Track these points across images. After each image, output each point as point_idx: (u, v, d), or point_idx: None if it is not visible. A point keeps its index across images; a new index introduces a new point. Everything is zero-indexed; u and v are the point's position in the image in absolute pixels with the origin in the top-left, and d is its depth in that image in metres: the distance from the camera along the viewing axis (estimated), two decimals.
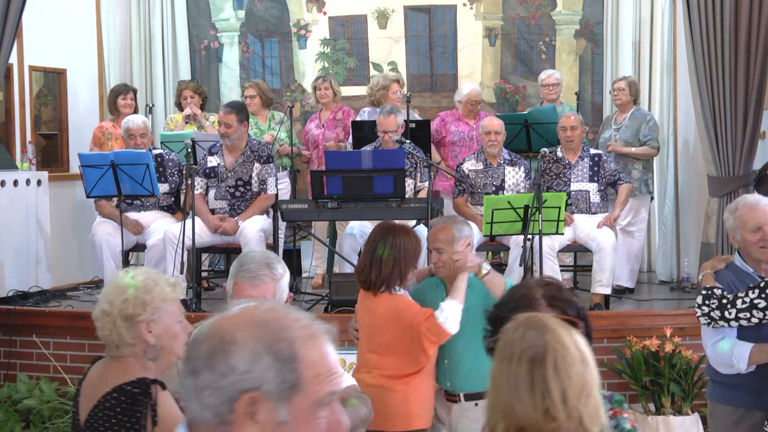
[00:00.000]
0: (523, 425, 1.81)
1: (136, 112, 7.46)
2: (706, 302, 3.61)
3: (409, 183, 6.43)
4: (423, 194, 6.50)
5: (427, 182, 6.49)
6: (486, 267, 4.00)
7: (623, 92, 7.12)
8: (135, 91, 7.70)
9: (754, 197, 3.89)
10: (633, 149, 7.01)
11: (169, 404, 2.52)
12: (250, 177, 6.37)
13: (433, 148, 7.40)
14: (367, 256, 3.96)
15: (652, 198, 7.41)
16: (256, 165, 6.37)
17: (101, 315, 2.63)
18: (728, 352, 3.62)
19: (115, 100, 7.46)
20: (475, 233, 6.22)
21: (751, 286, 3.55)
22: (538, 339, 1.85)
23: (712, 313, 3.60)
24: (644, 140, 7.02)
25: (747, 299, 3.52)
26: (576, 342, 1.87)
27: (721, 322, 3.59)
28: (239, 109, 6.39)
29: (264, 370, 1.41)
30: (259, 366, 1.41)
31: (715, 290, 3.62)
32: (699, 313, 3.64)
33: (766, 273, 3.70)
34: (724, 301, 3.57)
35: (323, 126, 7.51)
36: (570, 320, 2.01)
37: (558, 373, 1.81)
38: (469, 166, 6.67)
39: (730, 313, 3.55)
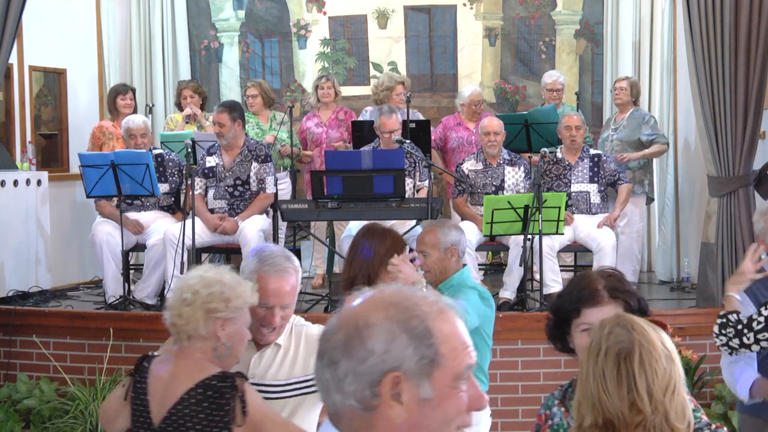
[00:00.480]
0: (610, 418, 1.87)
1: (135, 111, 7.46)
2: (723, 331, 3.44)
3: (408, 182, 6.43)
4: (422, 193, 6.50)
5: (426, 181, 6.50)
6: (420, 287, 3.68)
7: (624, 92, 7.11)
8: (134, 91, 7.70)
9: None
10: (646, 151, 6.99)
11: (256, 395, 2.62)
12: (249, 176, 6.37)
13: (435, 153, 7.42)
14: (347, 259, 3.88)
15: (652, 200, 7.43)
16: (254, 164, 6.37)
17: (180, 303, 2.64)
18: (734, 380, 3.54)
19: (115, 99, 7.45)
20: (474, 234, 6.28)
21: (763, 302, 3.42)
22: (626, 336, 1.93)
23: (731, 342, 3.43)
24: (650, 139, 7.01)
25: (762, 318, 3.37)
26: (662, 340, 1.94)
27: (743, 350, 3.43)
28: (232, 108, 6.39)
29: (402, 348, 1.41)
30: (396, 345, 1.41)
31: (730, 316, 3.43)
32: (719, 342, 3.47)
33: None
34: (740, 327, 3.40)
35: (325, 125, 7.51)
36: (658, 322, 2.04)
37: (644, 368, 1.88)
38: (469, 166, 6.67)
39: (748, 338, 3.39)
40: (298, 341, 2.95)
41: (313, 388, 2.78)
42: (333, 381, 1.44)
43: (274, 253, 2.92)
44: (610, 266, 6.04)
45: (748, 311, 3.61)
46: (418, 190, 6.55)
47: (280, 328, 2.89)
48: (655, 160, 7.44)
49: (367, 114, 7.48)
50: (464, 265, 4.07)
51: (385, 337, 1.41)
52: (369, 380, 1.40)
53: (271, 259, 2.87)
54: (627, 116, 7.12)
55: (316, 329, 2.95)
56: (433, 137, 7.37)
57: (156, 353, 2.77)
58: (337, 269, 7.15)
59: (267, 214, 6.50)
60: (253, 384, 2.83)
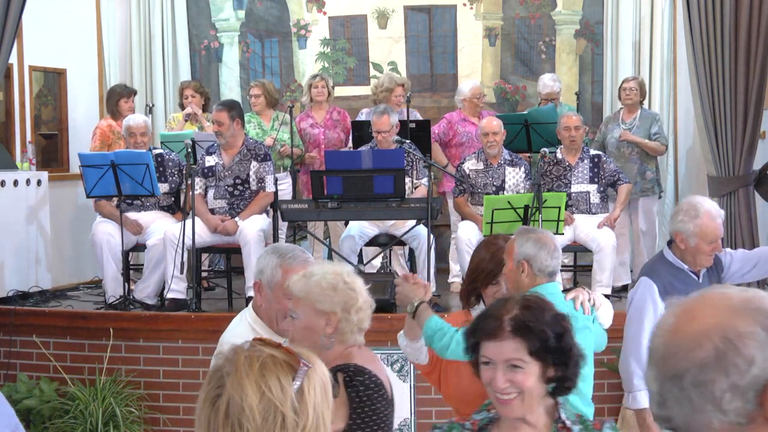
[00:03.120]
0: None
1: (134, 112, 7.46)
2: None
3: (406, 181, 6.43)
4: (419, 192, 6.50)
5: (424, 180, 6.50)
6: (411, 307, 3.35)
7: (634, 92, 7.13)
8: (136, 93, 7.69)
9: (713, 206, 3.95)
10: (646, 141, 7.04)
11: None
12: (248, 175, 6.37)
13: (438, 149, 7.41)
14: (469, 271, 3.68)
15: (660, 196, 7.47)
16: (254, 163, 6.37)
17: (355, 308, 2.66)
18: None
19: (118, 102, 7.42)
20: (474, 234, 6.29)
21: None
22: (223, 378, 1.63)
23: None
24: (654, 137, 7.07)
25: None
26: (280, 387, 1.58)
27: None
28: (230, 107, 6.39)
29: None
30: None
31: None
32: None
33: (699, 267, 3.92)
34: None
35: (321, 126, 7.51)
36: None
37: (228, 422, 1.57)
38: (470, 165, 6.67)
39: None
40: None
41: None
42: (704, 402, 1.31)
43: (290, 247, 3.04)
44: (610, 268, 6.09)
45: (657, 306, 3.81)
46: (415, 188, 6.56)
47: None
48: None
49: (362, 116, 7.47)
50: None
51: (760, 343, 1.29)
52: (754, 392, 1.29)
53: (290, 252, 2.98)
54: (638, 116, 7.15)
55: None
56: (436, 131, 7.38)
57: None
58: None
59: (267, 213, 6.51)
60: None
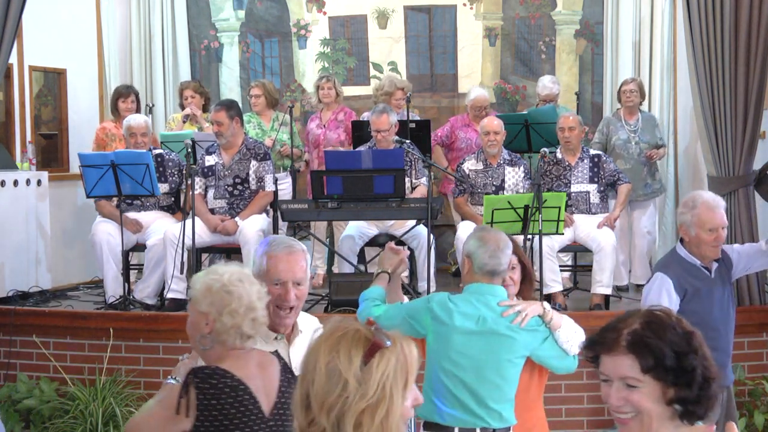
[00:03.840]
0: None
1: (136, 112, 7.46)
2: None
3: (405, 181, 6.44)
4: (418, 191, 6.50)
5: (422, 179, 6.51)
6: (376, 272, 3.79)
7: (635, 94, 7.16)
8: (137, 94, 7.67)
9: (712, 197, 4.08)
10: (660, 152, 7.18)
11: None
12: (248, 174, 6.37)
13: (439, 151, 7.43)
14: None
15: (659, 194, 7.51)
16: (253, 162, 6.37)
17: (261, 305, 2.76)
18: None
19: (116, 102, 7.43)
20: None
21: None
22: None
23: None
24: (660, 143, 7.22)
25: None
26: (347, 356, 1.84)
27: None
28: (229, 106, 6.40)
29: None
30: None
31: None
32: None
33: (707, 260, 4.04)
34: None
35: (324, 126, 7.51)
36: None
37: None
38: (470, 166, 6.67)
39: None
40: (306, 333, 3.03)
41: None
42: None
43: (280, 237, 3.09)
44: (610, 268, 6.10)
45: (672, 300, 3.89)
46: (414, 188, 6.56)
47: (296, 309, 2.94)
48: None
49: (365, 118, 7.48)
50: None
51: None
52: None
53: (277, 241, 3.02)
54: (640, 118, 7.17)
55: (313, 320, 3.05)
56: (439, 134, 7.42)
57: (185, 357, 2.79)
58: (336, 269, 7.15)
59: (267, 213, 6.50)
60: None
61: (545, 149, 6.27)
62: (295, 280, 2.93)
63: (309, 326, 3.08)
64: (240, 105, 6.88)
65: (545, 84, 7.74)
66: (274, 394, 2.61)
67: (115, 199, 6.49)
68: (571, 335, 3.50)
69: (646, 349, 1.92)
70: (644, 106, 7.77)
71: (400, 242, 6.50)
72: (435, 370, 3.52)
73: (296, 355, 2.93)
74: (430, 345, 3.54)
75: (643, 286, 6.96)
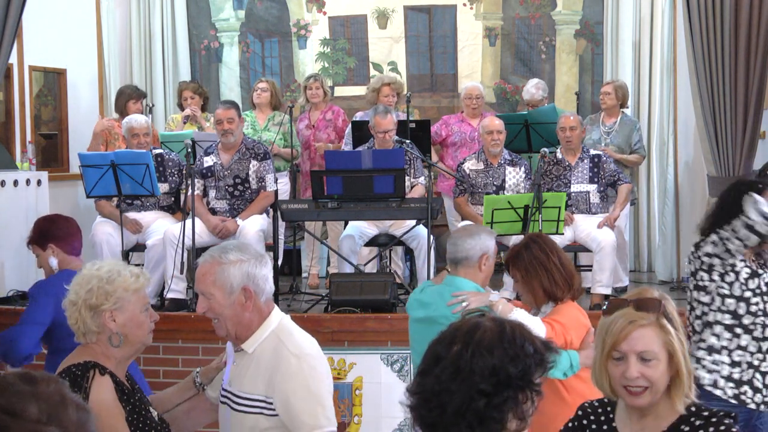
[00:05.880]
0: None
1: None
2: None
3: None
4: (417, 190, 6.50)
5: (421, 179, 6.51)
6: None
7: (609, 96, 7.18)
8: (145, 96, 7.66)
9: None
10: (626, 156, 7.14)
11: (103, 390, 2.66)
12: (248, 174, 6.37)
13: (432, 148, 7.41)
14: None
15: (632, 204, 7.48)
16: (253, 162, 6.37)
17: (69, 305, 2.79)
18: None
19: (126, 103, 7.37)
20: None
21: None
22: None
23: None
24: (635, 148, 7.16)
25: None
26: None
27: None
28: (236, 105, 6.49)
29: None
30: None
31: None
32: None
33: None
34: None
35: (313, 126, 7.51)
36: None
37: None
38: (470, 165, 6.67)
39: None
40: (266, 353, 2.75)
41: (269, 412, 2.68)
42: None
43: (218, 246, 2.90)
44: (610, 268, 6.10)
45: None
46: (412, 187, 6.56)
47: (219, 322, 2.76)
48: (655, 159, 7.48)
49: (357, 119, 7.46)
50: None
51: None
52: None
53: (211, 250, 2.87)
54: (618, 121, 7.19)
55: (294, 349, 2.71)
56: (432, 131, 7.40)
57: None
58: (334, 269, 7.14)
59: (267, 213, 6.50)
60: (227, 392, 2.79)
61: (545, 149, 6.28)
62: (201, 291, 2.78)
63: (262, 351, 2.77)
64: (240, 105, 6.88)
65: (527, 88, 7.82)
66: None
67: (115, 199, 6.49)
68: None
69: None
70: (644, 108, 7.78)
71: (399, 242, 6.51)
72: None
73: (236, 370, 2.80)
74: None
75: (625, 288, 7.00)
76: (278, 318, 2.83)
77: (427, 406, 1.76)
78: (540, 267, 3.66)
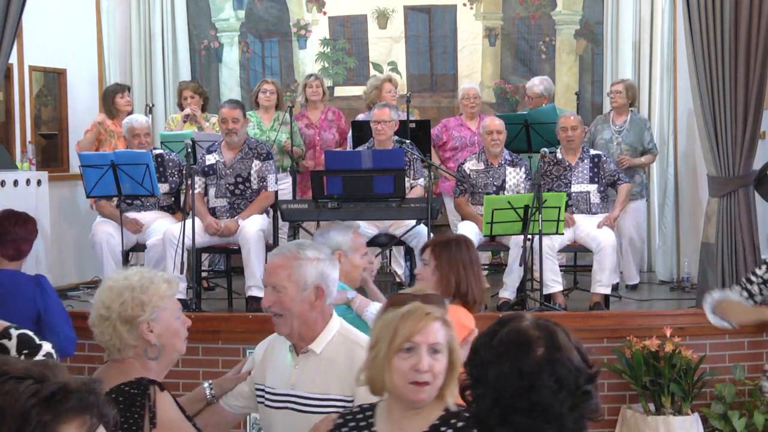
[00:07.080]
0: None
1: (133, 111, 7.45)
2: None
3: None
4: (416, 191, 6.50)
5: (420, 179, 6.50)
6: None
7: (620, 95, 7.16)
8: (129, 89, 7.67)
9: None
10: (641, 159, 7.16)
11: (168, 407, 2.49)
12: (249, 174, 6.36)
13: (433, 150, 7.41)
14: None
15: (644, 197, 7.49)
16: (256, 162, 6.37)
17: (99, 320, 2.62)
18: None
19: (113, 99, 7.40)
20: (474, 234, 6.28)
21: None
22: None
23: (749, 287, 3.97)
24: (648, 147, 7.16)
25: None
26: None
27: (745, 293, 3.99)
28: (241, 104, 6.51)
29: None
30: None
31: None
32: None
33: None
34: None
35: (316, 126, 7.50)
36: None
37: None
38: (470, 166, 6.67)
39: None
40: (339, 353, 2.76)
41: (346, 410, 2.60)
42: None
43: (294, 242, 2.95)
44: (610, 267, 6.11)
45: None
46: (412, 187, 6.56)
47: (284, 318, 2.73)
48: (655, 159, 7.46)
49: (360, 118, 7.46)
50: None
51: None
52: None
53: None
54: (628, 120, 7.17)
55: (364, 342, 2.57)
56: (432, 134, 7.39)
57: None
58: None
59: (267, 213, 6.50)
60: (288, 395, 2.75)
61: (545, 149, 6.27)
62: (269, 283, 2.77)
63: (331, 351, 2.78)
64: None
65: (532, 80, 7.83)
66: None
67: (115, 199, 6.49)
68: None
69: None
70: (644, 108, 7.77)
71: (400, 242, 6.51)
72: None
73: (300, 373, 2.78)
74: None
75: (635, 286, 7.05)
76: (338, 321, 2.85)
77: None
78: (462, 267, 3.62)
